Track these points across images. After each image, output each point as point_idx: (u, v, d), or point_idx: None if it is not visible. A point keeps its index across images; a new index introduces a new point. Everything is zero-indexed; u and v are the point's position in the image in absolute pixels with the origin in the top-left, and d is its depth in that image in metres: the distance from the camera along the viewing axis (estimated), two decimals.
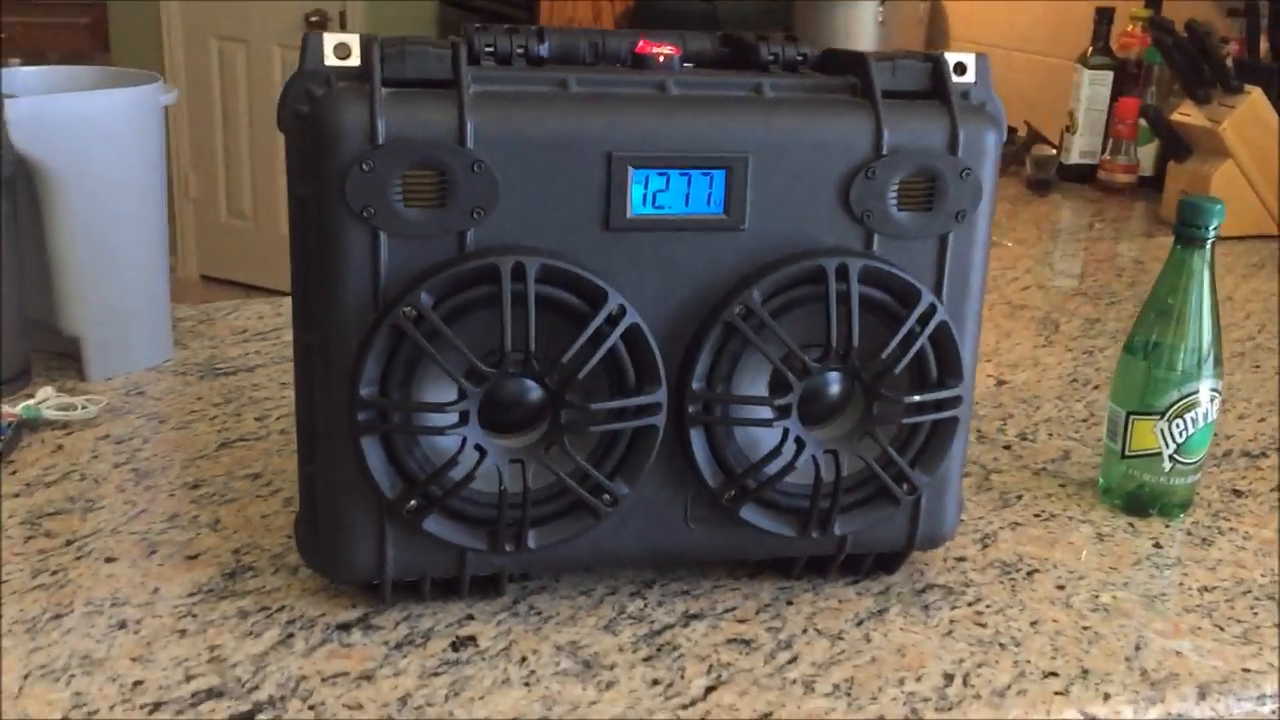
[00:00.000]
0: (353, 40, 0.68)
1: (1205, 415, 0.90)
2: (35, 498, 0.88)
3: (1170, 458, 0.90)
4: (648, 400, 0.71)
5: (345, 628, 0.74)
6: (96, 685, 0.68)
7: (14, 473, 0.91)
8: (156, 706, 0.66)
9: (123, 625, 0.73)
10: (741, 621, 0.77)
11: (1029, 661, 0.74)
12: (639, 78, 0.72)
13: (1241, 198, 1.76)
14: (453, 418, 0.69)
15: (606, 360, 0.70)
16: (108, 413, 1.02)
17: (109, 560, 0.80)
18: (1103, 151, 2.11)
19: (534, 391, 0.71)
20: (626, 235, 0.70)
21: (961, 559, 0.86)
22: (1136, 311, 0.92)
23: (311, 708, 0.67)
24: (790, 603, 0.79)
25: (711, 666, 0.72)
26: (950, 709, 0.69)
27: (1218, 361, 0.89)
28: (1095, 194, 2.08)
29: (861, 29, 2.69)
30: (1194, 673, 0.74)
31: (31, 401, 0.99)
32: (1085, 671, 0.73)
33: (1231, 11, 2.00)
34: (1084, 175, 2.12)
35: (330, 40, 0.68)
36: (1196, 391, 0.89)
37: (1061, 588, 0.82)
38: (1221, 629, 0.78)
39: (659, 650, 0.73)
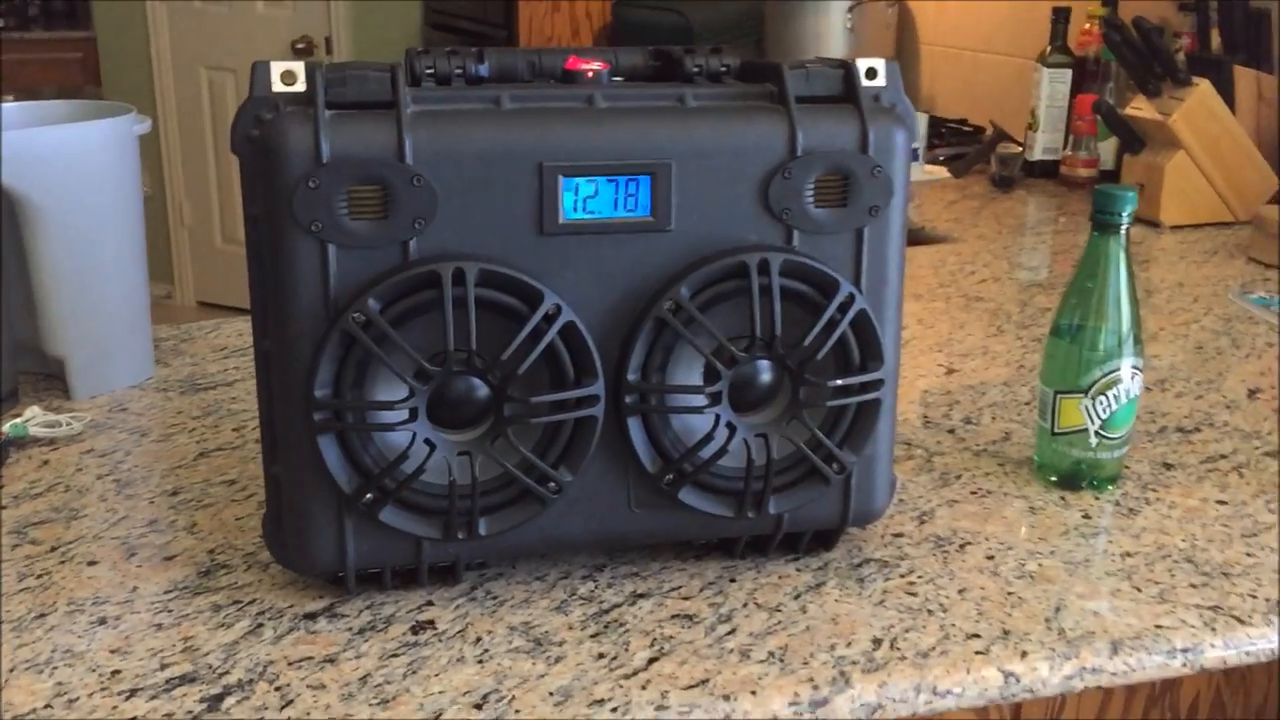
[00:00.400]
0: (298, 67, 0.73)
1: (1128, 392, 0.94)
2: (22, 509, 0.93)
3: (1096, 433, 0.95)
4: (586, 393, 0.76)
5: (312, 617, 0.79)
6: (77, 675, 0.72)
7: (2, 487, 0.96)
8: (133, 693, 0.71)
9: (103, 621, 0.78)
10: (686, 599, 0.82)
11: (954, 625, 0.79)
12: (569, 92, 0.78)
13: (1194, 187, 1.81)
14: (403, 415, 0.74)
15: (546, 356, 0.75)
16: (92, 428, 1.07)
17: (91, 563, 0.85)
18: (1065, 147, 2.16)
19: (479, 388, 0.76)
20: (560, 239, 0.75)
21: (899, 535, 0.90)
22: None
23: (278, 689, 0.72)
24: (733, 580, 0.84)
25: (655, 640, 0.77)
26: (877, 670, 0.74)
27: (1137, 340, 0.94)
28: (1058, 189, 2.14)
29: (831, 35, 2.75)
30: (1109, 630, 0.78)
31: (19, 420, 1.05)
32: (1006, 632, 0.78)
33: (1183, 7, 2.06)
34: (1048, 171, 2.18)
35: (277, 68, 0.73)
36: (1118, 369, 0.94)
37: (991, 558, 0.87)
38: (1139, 590, 0.83)
39: (606, 627, 0.78)
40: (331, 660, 0.74)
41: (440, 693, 0.71)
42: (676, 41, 2.92)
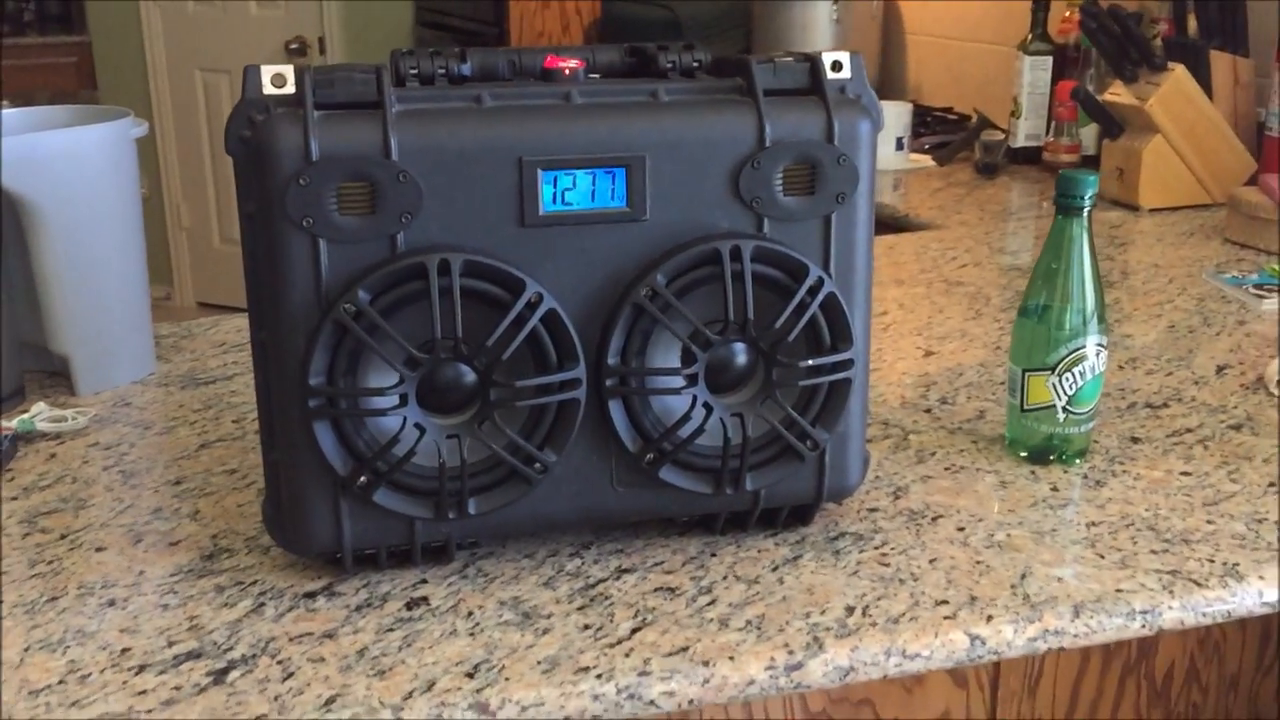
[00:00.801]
0: (287, 70, 0.77)
1: (1093, 369, 0.98)
2: (31, 500, 0.97)
3: (1063, 409, 0.99)
4: (568, 376, 0.80)
5: (311, 595, 0.83)
6: (89, 653, 0.76)
7: (12, 479, 1.00)
8: (142, 668, 0.75)
9: (112, 603, 0.82)
10: (668, 573, 0.85)
11: (924, 593, 0.83)
12: (547, 89, 0.81)
13: (1172, 170, 1.84)
14: (393, 400, 0.78)
15: (529, 342, 0.79)
16: (96, 423, 1.11)
17: (99, 550, 0.89)
18: (1047, 134, 2.19)
19: (466, 374, 0.79)
20: (540, 230, 0.79)
21: (874, 509, 0.94)
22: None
23: (279, 663, 0.75)
24: (714, 555, 0.88)
25: (638, 611, 0.81)
26: (849, 635, 0.78)
27: (1101, 319, 0.98)
28: (1041, 175, 2.17)
29: (817, 28, 2.78)
30: (1072, 595, 0.82)
31: (26, 415, 1.08)
32: (973, 599, 0.82)
33: None
34: (1031, 157, 2.21)
35: (268, 71, 0.77)
36: (1083, 347, 0.97)
37: (962, 529, 0.91)
38: (1102, 557, 0.87)
39: (592, 600, 0.82)
40: (330, 635, 0.78)
41: (434, 663, 0.75)
42: (665, 36, 2.96)
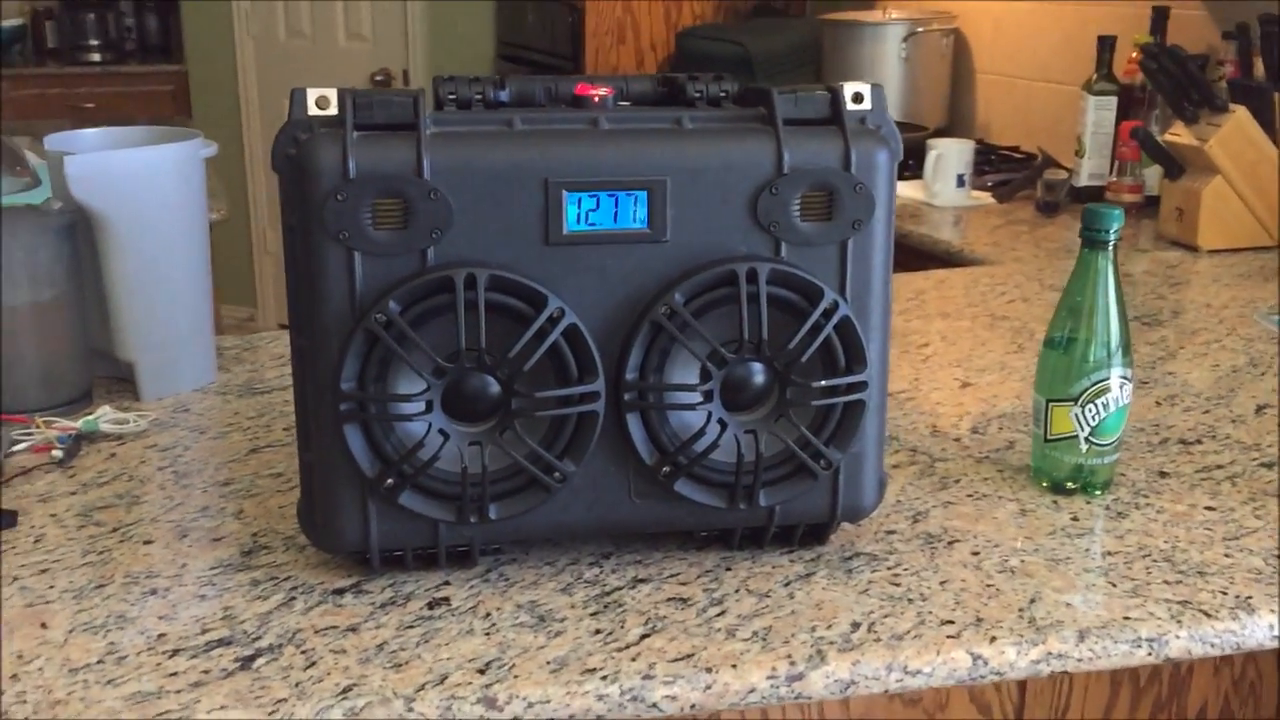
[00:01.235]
0: (331, 93, 0.82)
1: (1117, 400, 0.99)
2: (89, 495, 1.02)
3: (1086, 440, 0.99)
4: (588, 389, 0.83)
5: (339, 592, 0.87)
6: (127, 637, 0.81)
7: (72, 475, 1.06)
8: (175, 652, 0.79)
9: (154, 592, 0.87)
10: (683, 584, 0.88)
11: (931, 613, 0.84)
12: (576, 115, 0.85)
13: (1232, 211, 1.83)
14: (419, 406, 0.82)
15: (551, 356, 0.83)
16: (156, 426, 1.17)
17: (147, 543, 0.94)
18: (1110, 173, 2.19)
19: (490, 384, 0.83)
20: (564, 249, 0.82)
21: (891, 531, 0.96)
22: None
23: (303, 652, 0.79)
24: (729, 569, 0.90)
25: (649, 619, 0.83)
26: (852, 649, 0.80)
27: (1126, 351, 0.99)
28: None
29: (886, 64, 2.81)
30: (1079, 620, 0.83)
31: (91, 416, 1.14)
32: (980, 620, 0.83)
33: (1226, 35, 2.08)
34: (1094, 196, 2.20)
35: (313, 94, 0.82)
36: (1107, 379, 0.98)
37: (976, 554, 0.92)
38: (1114, 585, 0.88)
39: (606, 607, 0.85)
40: (354, 629, 0.82)
41: (448, 659, 0.78)
42: (737, 71, 3.00)
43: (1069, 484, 1.02)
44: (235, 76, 4.62)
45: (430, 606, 0.85)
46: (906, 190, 2.35)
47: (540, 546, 0.92)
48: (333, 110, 0.82)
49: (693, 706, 0.77)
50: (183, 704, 0.74)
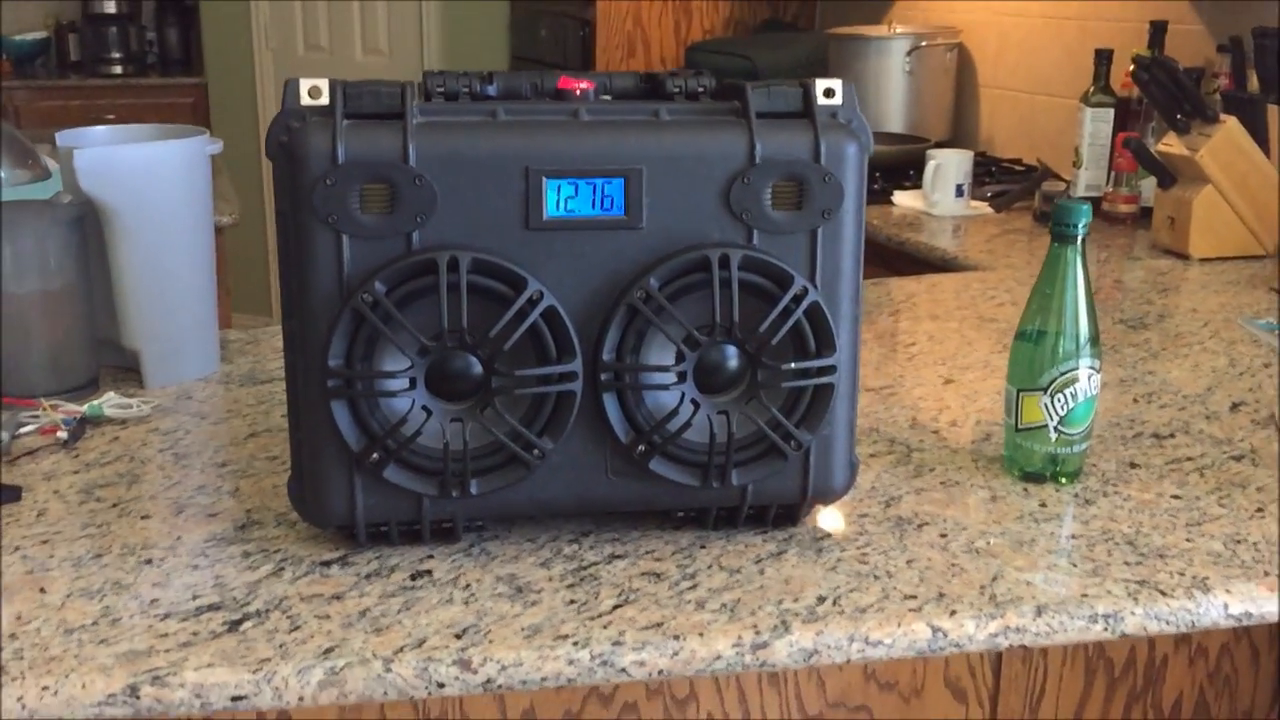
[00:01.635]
0: (323, 84, 0.86)
1: (1085, 391, 1.02)
2: (91, 474, 1.06)
3: (1055, 429, 1.02)
4: (565, 369, 0.87)
5: (326, 564, 0.90)
6: (122, 602, 0.84)
7: (76, 456, 1.10)
8: (166, 616, 0.83)
9: (149, 562, 0.90)
10: (658, 560, 0.91)
11: (895, 588, 0.87)
12: (558, 107, 0.89)
13: (1222, 220, 1.85)
14: (404, 383, 0.86)
15: (530, 336, 0.86)
16: (158, 411, 1.21)
17: (144, 517, 0.98)
18: (1107, 184, 2.22)
19: (472, 364, 0.87)
20: (544, 234, 0.86)
21: (864, 515, 0.99)
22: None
23: (289, 617, 0.83)
24: (703, 547, 0.93)
25: (623, 591, 0.86)
26: (815, 621, 0.83)
27: (1094, 343, 1.02)
28: (1099, 225, 2.19)
29: (891, 78, 2.84)
30: (1037, 597, 0.86)
31: (96, 401, 1.18)
32: (941, 595, 0.86)
33: (1221, 48, 2.11)
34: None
35: (305, 84, 0.86)
36: (1075, 369, 1.01)
37: (944, 535, 0.95)
38: (1075, 565, 0.91)
39: (582, 580, 0.88)
40: (338, 597, 0.85)
41: (427, 625, 0.82)
42: None
43: (1040, 473, 1.04)
44: (254, 89, 4.69)
45: (413, 578, 0.88)
46: (906, 200, 2.38)
47: (522, 524, 0.96)
48: (324, 100, 0.86)
49: (660, 672, 0.80)
50: (171, 662, 0.77)
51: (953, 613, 0.84)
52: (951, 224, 2.24)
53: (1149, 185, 2.16)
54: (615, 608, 0.84)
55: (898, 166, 2.55)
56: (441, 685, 0.78)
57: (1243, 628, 1.22)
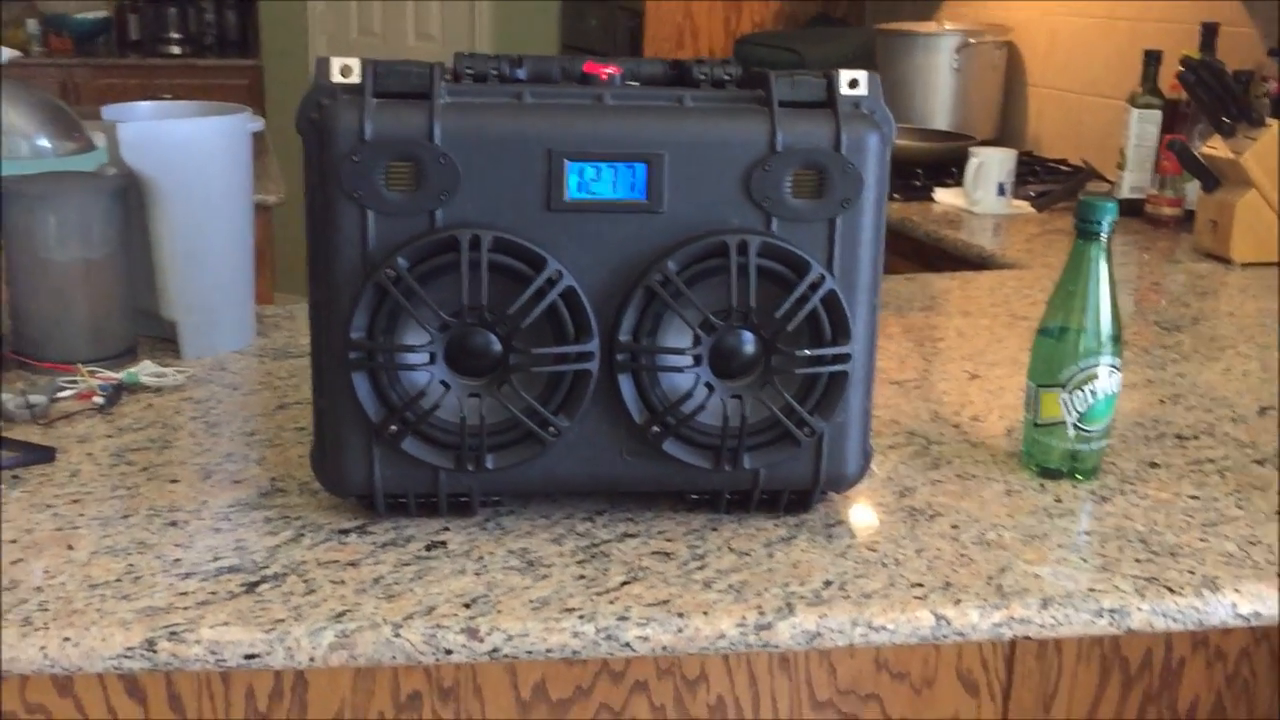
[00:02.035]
0: (354, 62, 0.88)
1: (1105, 389, 1.02)
2: (124, 438, 1.09)
3: (1074, 425, 1.02)
4: (582, 349, 0.88)
5: (345, 532, 0.92)
6: (145, 561, 0.87)
7: (110, 421, 1.13)
8: (188, 575, 0.85)
9: (174, 524, 0.93)
10: (669, 540, 0.92)
11: (902, 576, 0.88)
12: (584, 90, 0.90)
13: (1265, 225, 1.83)
14: (423, 357, 0.87)
15: (549, 315, 0.88)
16: (193, 381, 1.23)
17: (172, 482, 1.00)
18: (1151, 186, 2.20)
19: (491, 341, 0.88)
20: (565, 215, 0.87)
21: (878, 504, 1.00)
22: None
23: (305, 581, 0.85)
24: (714, 529, 0.94)
25: (632, 569, 0.88)
26: (820, 604, 0.84)
27: (1116, 340, 1.02)
28: (1143, 226, 2.17)
29: (939, 75, 2.83)
30: (1044, 590, 0.86)
31: (133, 369, 1.21)
32: (948, 584, 0.87)
33: (1271, 52, 2.08)
34: (1134, 209, 2.21)
35: (337, 63, 0.88)
36: (1096, 366, 1.01)
37: (956, 527, 0.96)
38: (1085, 560, 0.91)
39: (592, 557, 0.90)
40: (354, 564, 0.87)
41: (438, 594, 0.84)
42: None
43: (1057, 469, 1.05)
44: (307, 72, 4.74)
45: (428, 548, 0.90)
46: (947, 197, 2.37)
47: (537, 501, 0.97)
48: (355, 78, 0.87)
49: (664, 648, 0.82)
50: (189, 619, 0.80)
51: (958, 601, 0.85)
52: (992, 222, 2.22)
53: (1193, 188, 2.14)
54: (623, 584, 0.86)
55: (941, 164, 2.54)
56: (449, 652, 0.80)
57: (1262, 633, 1.21)
